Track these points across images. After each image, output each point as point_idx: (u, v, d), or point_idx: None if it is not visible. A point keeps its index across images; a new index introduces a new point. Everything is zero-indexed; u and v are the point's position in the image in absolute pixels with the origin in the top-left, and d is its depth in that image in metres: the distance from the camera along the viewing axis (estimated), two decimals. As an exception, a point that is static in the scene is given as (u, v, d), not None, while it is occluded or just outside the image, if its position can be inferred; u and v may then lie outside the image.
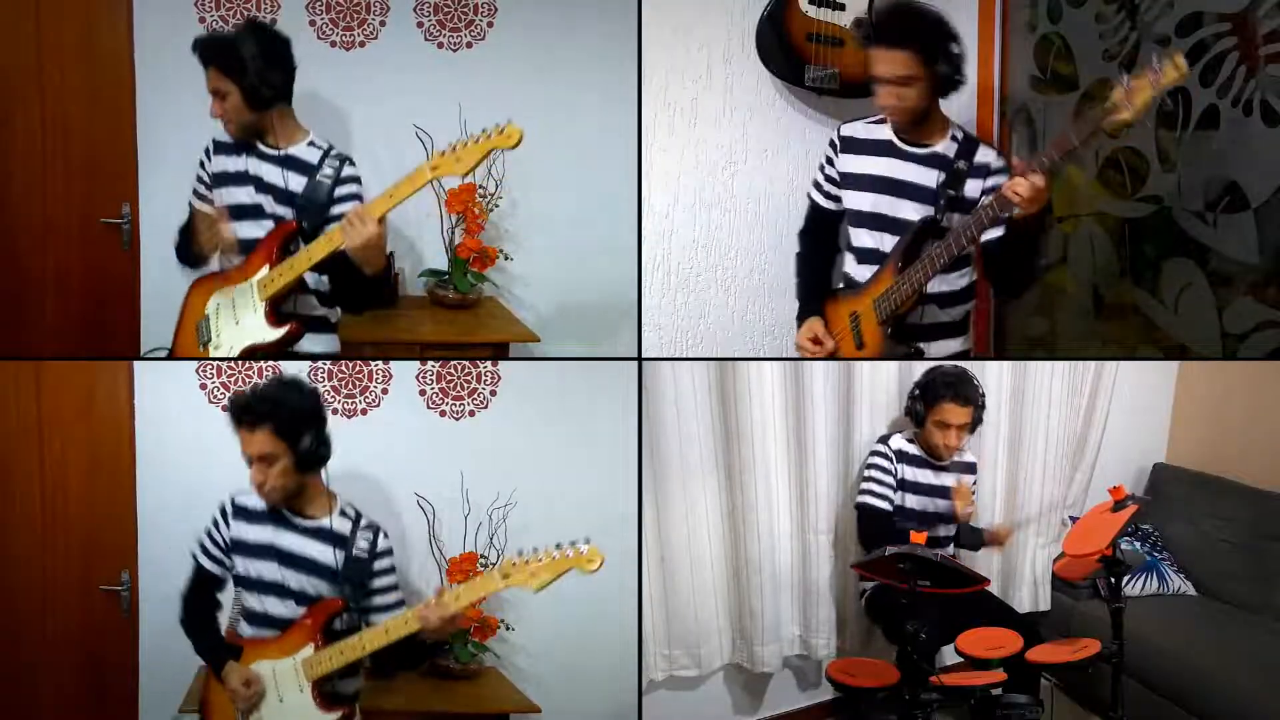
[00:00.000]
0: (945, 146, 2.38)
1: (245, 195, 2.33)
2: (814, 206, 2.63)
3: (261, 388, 2.14)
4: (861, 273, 2.48)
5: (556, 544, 1.99)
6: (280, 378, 2.24)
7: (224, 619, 2.38)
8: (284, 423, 2.07)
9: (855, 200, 2.48)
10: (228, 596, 2.34)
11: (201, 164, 2.41)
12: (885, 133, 2.44)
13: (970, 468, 2.88)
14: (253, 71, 2.23)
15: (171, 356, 2.42)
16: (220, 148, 2.37)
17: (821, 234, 2.63)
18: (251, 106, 2.26)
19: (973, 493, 2.89)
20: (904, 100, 2.31)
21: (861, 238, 2.48)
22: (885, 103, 2.34)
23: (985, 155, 2.37)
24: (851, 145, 2.49)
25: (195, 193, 2.44)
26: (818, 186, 2.60)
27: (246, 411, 2.07)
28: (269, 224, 2.32)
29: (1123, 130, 2.06)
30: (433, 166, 2.12)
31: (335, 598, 2.14)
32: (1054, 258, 2.76)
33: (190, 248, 2.43)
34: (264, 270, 2.29)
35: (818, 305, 2.57)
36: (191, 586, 2.27)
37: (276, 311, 2.30)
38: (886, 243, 2.42)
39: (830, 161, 2.54)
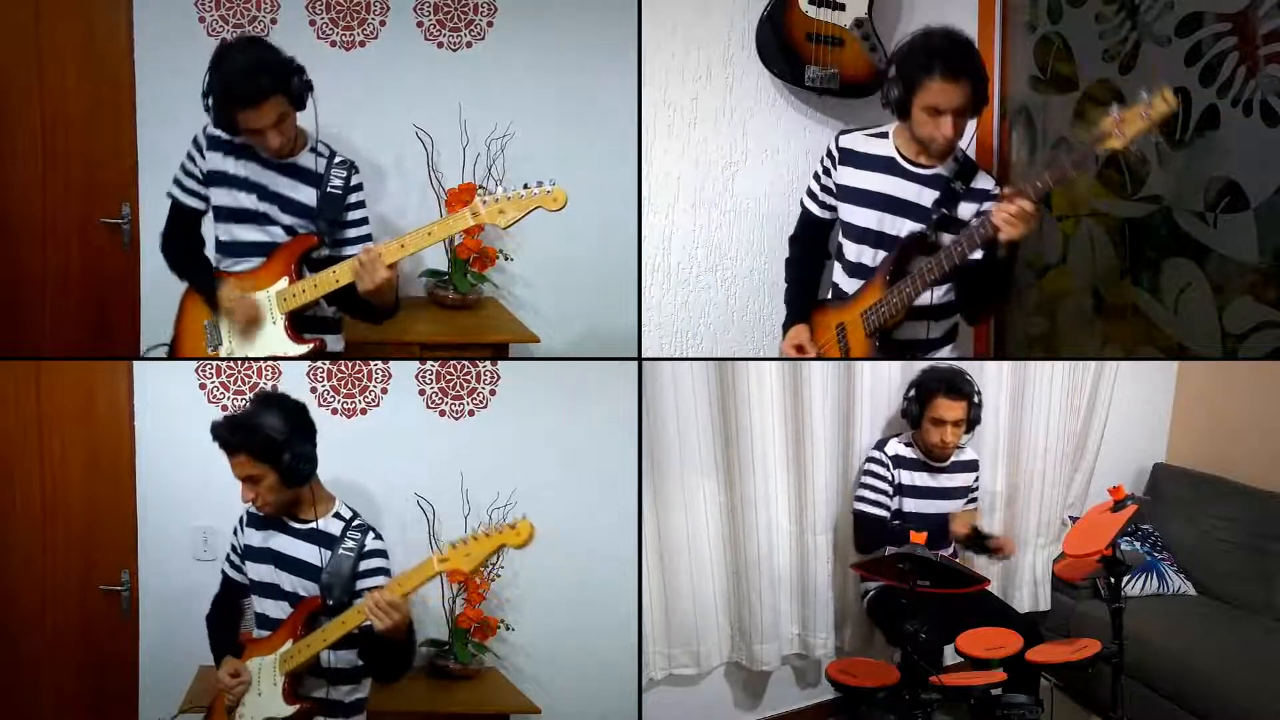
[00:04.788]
0: (947, 167, 2.38)
1: (248, 201, 2.31)
2: (806, 213, 2.61)
3: (239, 415, 2.16)
4: (851, 285, 2.48)
5: (491, 521, 2.02)
6: (261, 397, 2.23)
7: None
8: (260, 447, 2.10)
9: (853, 215, 2.46)
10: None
11: (191, 157, 2.33)
12: (887, 149, 2.42)
13: (972, 465, 2.88)
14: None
15: (173, 353, 2.42)
16: (215, 144, 2.30)
17: (812, 241, 2.62)
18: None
19: (974, 496, 2.90)
20: (959, 131, 2.28)
21: (855, 251, 2.47)
22: (943, 133, 2.27)
23: (983, 182, 2.37)
24: (851, 158, 2.45)
25: (180, 185, 2.35)
26: (812, 195, 2.57)
27: (223, 439, 2.11)
28: (277, 230, 2.31)
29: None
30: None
31: (315, 596, 2.16)
32: (1054, 258, 2.76)
33: (186, 264, 2.38)
34: (283, 283, 2.28)
35: (804, 313, 2.58)
36: (219, 591, 2.37)
37: (297, 324, 2.31)
38: (879, 258, 2.42)
39: (827, 171, 2.51)
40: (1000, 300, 2.43)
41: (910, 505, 2.80)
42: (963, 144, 2.39)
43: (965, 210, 2.35)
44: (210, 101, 2.18)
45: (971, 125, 2.38)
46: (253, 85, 2.16)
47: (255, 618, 2.27)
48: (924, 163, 2.39)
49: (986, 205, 2.32)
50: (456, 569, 2.03)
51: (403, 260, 2.23)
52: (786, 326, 2.61)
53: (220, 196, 2.32)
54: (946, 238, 2.33)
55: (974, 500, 2.92)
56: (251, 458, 2.10)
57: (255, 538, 2.24)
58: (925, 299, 2.37)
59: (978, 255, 2.27)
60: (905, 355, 2.52)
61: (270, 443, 2.10)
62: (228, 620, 2.36)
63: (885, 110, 2.40)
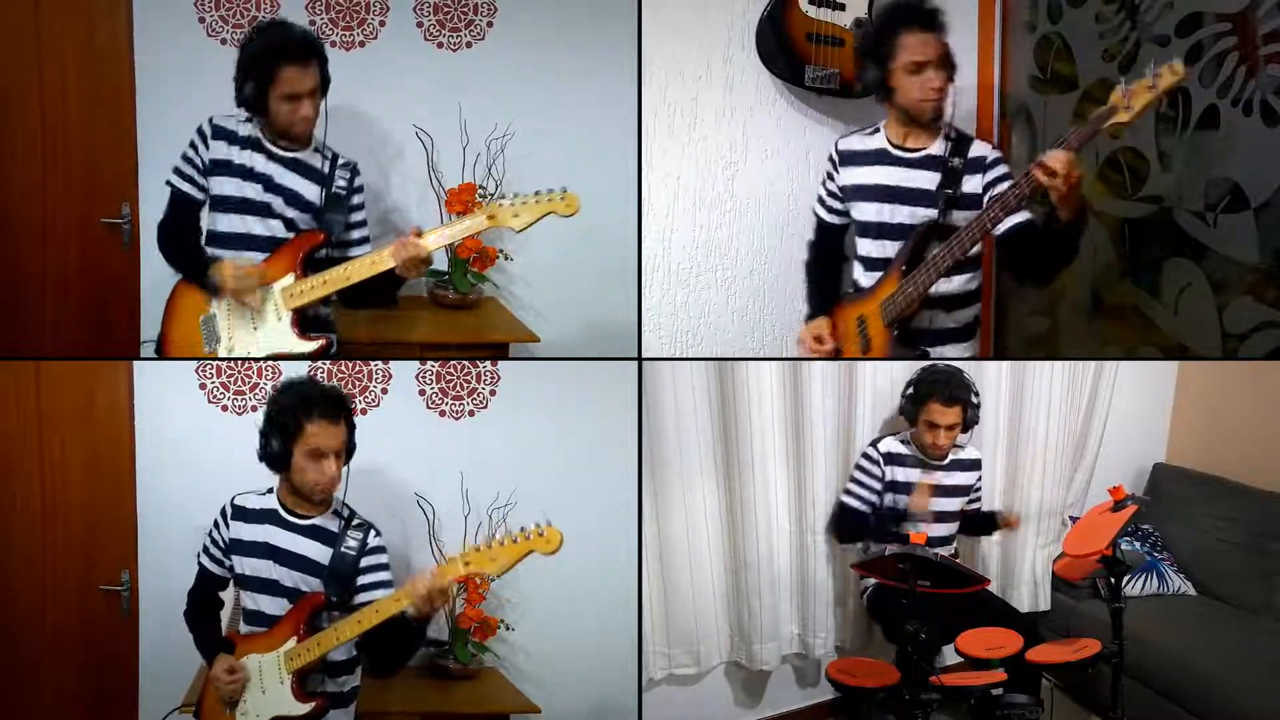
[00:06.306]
0: (939, 147, 2.40)
1: (252, 191, 2.32)
2: (818, 220, 2.67)
3: (326, 386, 2.19)
4: (868, 279, 2.51)
5: (520, 527, 2.00)
6: (308, 380, 2.24)
7: (226, 616, 2.40)
8: (350, 417, 2.16)
9: (859, 211, 2.51)
10: (230, 594, 2.36)
11: (194, 146, 2.33)
12: (879, 141, 2.47)
13: (974, 465, 2.88)
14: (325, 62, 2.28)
15: (160, 350, 2.40)
16: (221, 133, 2.33)
17: (828, 245, 2.67)
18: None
19: (976, 495, 2.90)
20: (941, 84, 2.33)
21: (867, 246, 2.51)
22: (924, 93, 2.33)
23: (980, 149, 2.39)
24: (849, 158, 2.52)
25: (181, 174, 2.35)
26: (821, 202, 2.64)
27: (340, 404, 2.14)
28: (276, 224, 2.32)
29: (1122, 131, 2.08)
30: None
31: (318, 592, 2.16)
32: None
33: (183, 254, 2.36)
34: (288, 279, 2.28)
35: (826, 309, 2.62)
36: (195, 585, 2.33)
37: (302, 322, 2.31)
38: (891, 249, 2.44)
39: (830, 177, 2.58)
40: (1067, 257, 2.34)
41: (907, 502, 2.80)
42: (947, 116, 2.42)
43: (971, 183, 2.36)
44: (247, 66, 2.24)
45: (951, 92, 2.38)
46: (302, 46, 2.23)
47: (246, 613, 2.24)
48: (912, 146, 2.42)
49: (991, 174, 2.34)
50: (481, 573, 2.01)
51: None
52: (808, 321, 2.66)
53: (223, 186, 2.32)
54: (959, 217, 2.34)
55: (976, 499, 2.92)
56: (347, 427, 2.14)
57: (245, 531, 2.21)
58: (943, 287, 2.38)
59: (1017, 219, 2.26)
60: (917, 354, 2.52)
61: (350, 413, 2.16)
62: (208, 614, 2.34)
63: (874, 102, 2.45)
